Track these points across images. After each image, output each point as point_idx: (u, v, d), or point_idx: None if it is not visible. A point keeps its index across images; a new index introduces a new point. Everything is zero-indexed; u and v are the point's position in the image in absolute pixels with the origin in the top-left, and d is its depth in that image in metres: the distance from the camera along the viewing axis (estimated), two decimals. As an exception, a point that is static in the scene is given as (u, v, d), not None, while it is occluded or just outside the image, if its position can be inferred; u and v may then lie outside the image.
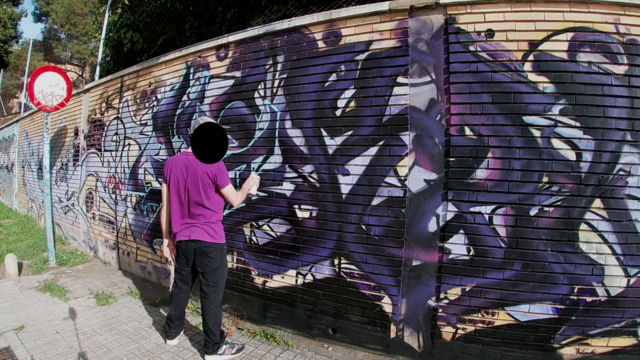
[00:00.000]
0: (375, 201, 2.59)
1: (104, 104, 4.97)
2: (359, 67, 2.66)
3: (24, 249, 5.22)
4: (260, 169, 3.07)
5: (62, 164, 6.11)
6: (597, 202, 2.21)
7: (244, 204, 3.05)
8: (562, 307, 2.27)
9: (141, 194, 4.17)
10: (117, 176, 4.55)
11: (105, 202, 4.80)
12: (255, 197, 2.75)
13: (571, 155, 2.23)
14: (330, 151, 2.75)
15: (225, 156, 2.41)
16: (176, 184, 2.49)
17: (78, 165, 5.52)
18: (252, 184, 2.57)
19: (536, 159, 2.26)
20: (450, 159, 2.39)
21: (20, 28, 21.49)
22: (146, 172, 4.12)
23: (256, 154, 3.10)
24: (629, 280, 2.21)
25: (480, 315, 2.39)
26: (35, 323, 2.95)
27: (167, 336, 2.75)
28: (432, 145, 2.45)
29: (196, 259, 2.47)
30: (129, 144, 4.38)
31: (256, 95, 3.11)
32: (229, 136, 2.42)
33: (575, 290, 2.25)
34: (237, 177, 3.20)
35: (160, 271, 3.94)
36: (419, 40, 2.49)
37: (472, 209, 2.36)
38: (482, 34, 2.33)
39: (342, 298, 2.74)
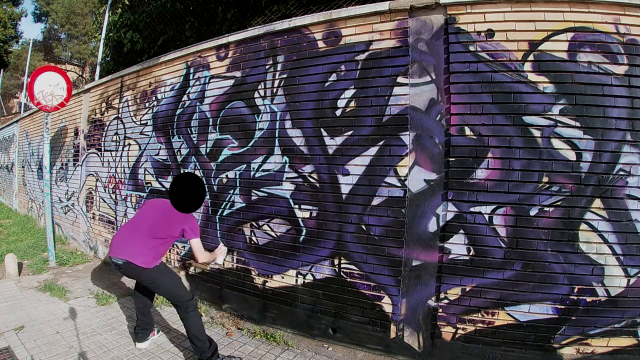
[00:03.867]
0: (375, 201, 2.59)
1: (104, 104, 4.97)
2: (359, 67, 2.66)
3: (24, 249, 5.22)
4: (260, 169, 3.07)
5: (62, 164, 6.11)
6: (597, 202, 2.21)
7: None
8: (562, 307, 2.27)
9: (141, 194, 4.17)
10: (117, 176, 4.55)
11: (105, 202, 4.80)
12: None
13: (571, 155, 2.23)
14: (330, 151, 2.75)
15: (199, 208, 2.47)
16: (144, 211, 2.54)
17: (78, 165, 5.52)
18: (219, 254, 2.81)
19: (536, 159, 2.26)
20: (450, 159, 2.39)
21: (20, 28, 21.53)
22: (146, 172, 4.11)
23: (256, 154, 3.10)
24: (629, 280, 2.21)
25: (480, 315, 2.39)
26: (35, 323, 2.95)
27: (135, 338, 2.66)
28: (432, 145, 2.45)
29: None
30: (129, 144, 4.38)
31: (256, 95, 3.11)
32: (204, 184, 2.47)
33: (575, 290, 2.25)
34: (237, 177, 3.21)
35: (160, 271, 3.93)
36: (419, 40, 2.49)
37: (472, 209, 2.36)
38: (482, 34, 2.33)
39: (342, 298, 2.74)
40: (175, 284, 2.47)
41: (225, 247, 3.00)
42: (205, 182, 2.68)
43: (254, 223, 3.14)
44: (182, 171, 3.66)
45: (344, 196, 2.70)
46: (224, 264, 3.33)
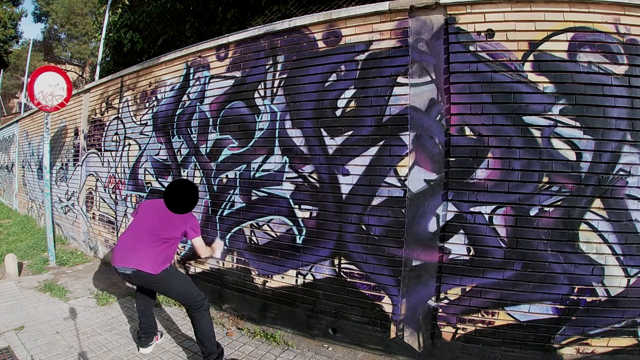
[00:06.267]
0: (375, 201, 2.59)
1: (104, 104, 4.97)
2: (359, 67, 2.66)
3: (24, 249, 5.22)
4: (260, 169, 3.07)
5: (62, 164, 6.11)
6: (597, 202, 2.21)
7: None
8: (562, 307, 2.27)
9: (141, 194, 4.17)
10: (117, 176, 4.55)
11: (105, 202, 4.80)
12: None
13: (571, 155, 2.23)
14: (330, 151, 2.75)
15: (193, 209, 2.45)
16: (141, 215, 2.49)
17: (78, 165, 5.52)
18: (217, 248, 3.04)
19: (536, 159, 2.26)
20: (450, 159, 2.39)
21: (20, 28, 21.55)
22: (146, 172, 4.12)
23: (256, 154, 3.10)
24: (629, 280, 2.21)
25: (480, 315, 2.39)
26: (35, 323, 2.95)
27: (139, 343, 2.61)
28: (432, 145, 2.45)
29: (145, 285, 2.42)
30: (129, 144, 4.38)
31: (256, 95, 3.11)
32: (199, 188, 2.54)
33: (575, 290, 2.25)
34: (237, 177, 3.21)
35: (160, 271, 3.93)
36: (419, 40, 2.49)
37: (472, 209, 2.36)
38: (482, 34, 2.33)
39: (342, 298, 2.74)
40: (187, 285, 2.45)
41: (221, 241, 3.22)
42: (198, 186, 2.99)
43: (254, 223, 3.14)
44: (182, 171, 3.68)
45: (344, 196, 2.70)
46: (224, 263, 3.33)
